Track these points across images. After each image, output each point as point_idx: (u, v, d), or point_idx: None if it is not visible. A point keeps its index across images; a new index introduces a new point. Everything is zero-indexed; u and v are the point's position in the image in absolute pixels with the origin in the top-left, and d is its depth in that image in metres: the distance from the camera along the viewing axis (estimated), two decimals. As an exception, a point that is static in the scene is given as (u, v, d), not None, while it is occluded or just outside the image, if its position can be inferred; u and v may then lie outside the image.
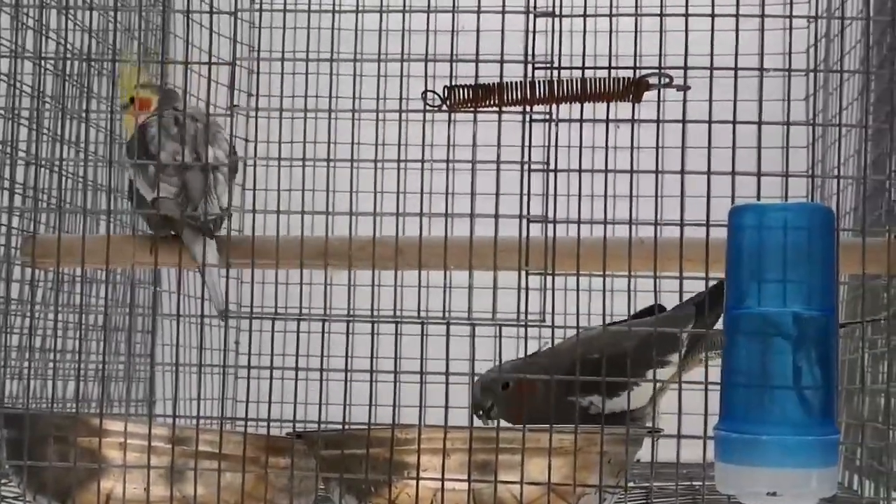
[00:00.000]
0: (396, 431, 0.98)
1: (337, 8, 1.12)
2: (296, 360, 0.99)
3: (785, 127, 0.97)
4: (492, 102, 1.02)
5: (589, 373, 0.98)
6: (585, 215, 0.95)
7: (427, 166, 1.01)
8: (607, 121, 0.97)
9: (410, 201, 1.01)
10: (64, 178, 1.40)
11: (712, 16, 0.95)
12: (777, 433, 0.80)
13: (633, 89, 1.02)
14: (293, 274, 1.68)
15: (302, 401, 0.99)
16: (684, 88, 0.96)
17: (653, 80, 1.00)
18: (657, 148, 0.98)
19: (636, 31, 0.98)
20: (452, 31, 0.98)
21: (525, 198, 0.97)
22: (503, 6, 0.99)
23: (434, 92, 1.02)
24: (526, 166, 0.97)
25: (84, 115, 1.39)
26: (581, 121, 0.97)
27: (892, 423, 1.07)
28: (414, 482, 0.97)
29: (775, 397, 0.80)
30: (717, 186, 0.93)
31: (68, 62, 1.38)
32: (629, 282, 0.96)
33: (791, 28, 0.97)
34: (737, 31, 0.94)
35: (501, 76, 1.00)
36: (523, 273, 0.97)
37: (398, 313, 0.98)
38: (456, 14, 0.99)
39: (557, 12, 0.98)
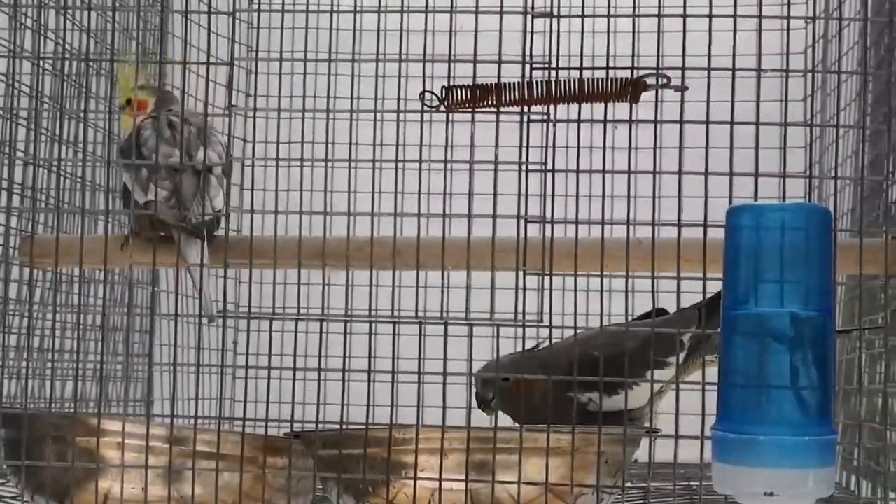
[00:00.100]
0: (394, 431, 0.98)
1: (335, 8, 1.12)
2: (294, 360, 0.99)
3: (783, 127, 0.97)
4: (490, 103, 1.02)
5: (589, 370, 0.98)
6: (583, 216, 0.95)
7: (425, 167, 1.01)
8: (605, 121, 0.97)
9: (408, 201, 1.01)
10: (62, 179, 1.40)
11: (710, 16, 0.95)
12: (774, 433, 0.80)
13: (631, 90, 1.02)
14: (291, 274, 1.69)
15: (300, 401, 0.99)
16: (682, 89, 0.97)
17: (650, 81, 1.00)
18: (655, 148, 0.99)
19: (634, 32, 0.98)
20: (450, 31, 0.98)
21: (523, 198, 0.97)
22: (501, 7, 0.99)
23: (432, 92, 1.02)
24: (524, 167, 0.97)
25: (82, 115, 1.39)
26: (579, 121, 0.97)
27: (890, 424, 1.07)
28: (411, 482, 0.97)
29: (772, 398, 0.80)
30: (715, 187, 0.93)
31: (67, 62, 1.38)
32: (627, 282, 0.96)
33: (789, 29, 0.97)
34: (735, 31, 0.94)
35: (499, 76, 1.00)
36: (521, 273, 0.97)
37: (396, 313, 0.98)
38: (454, 14, 0.99)
39: (555, 13, 0.98)
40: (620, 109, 1.01)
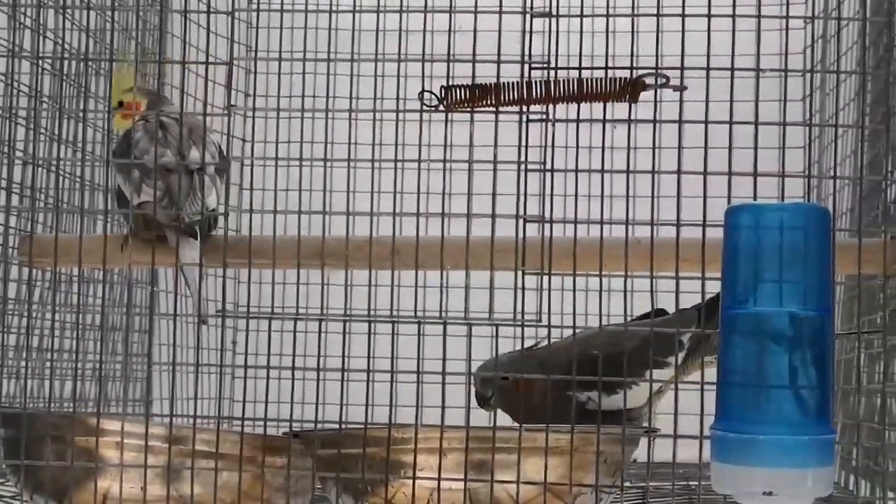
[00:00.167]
0: (393, 431, 0.98)
1: (334, 8, 1.12)
2: (293, 359, 0.99)
3: (781, 127, 0.97)
4: (489, 102, 1.02)
5: (588, 369, 0.98)
6: (582, 215, 0.95)
7: (424, 166, 1.01)
8: (604, 121, 0.97)
9: (407, 201, 1.01)
10: (61, 178, 1.40)
11: (709, 16, 0.95)
12: (773, 433, 0.80)
13: (630, 89, 1.02)
14: (290, 274, 1.69)
15: (299, 400, 0.99)
16: (681, 89, 0.97)
17: (649, 81, 1.00)
18: (654, 148, 0.99)
19: (633, 32, 0.98)
20: (449, 31, 0.98)
21: (522, 198, 0.97)
22: (500, 6, 0.99)
23: (431, 92, 1.03)
24: (523, 166, 0.97)
25: (81, 114, 1.39)
26: (578, 121, 0.97)
27: (888, 423, 1.07)
28: (410, 482, 0.97)
29: (771, 397, 0.80)
30: (714, 186, 0.93)
31: (66, 62, 1.38)
32: (626, 282, 0.96)
33: (788, 28, 0.97)
34: (733, 31, 0.94)
35: (498, 76, 1.00)
36: (520, 273, 0.97)
37: (395, 313, 0.98)
38: (453, 14, 0.99)
39: (554, 12, 0.98)
40: (619, 109, 1.01)
